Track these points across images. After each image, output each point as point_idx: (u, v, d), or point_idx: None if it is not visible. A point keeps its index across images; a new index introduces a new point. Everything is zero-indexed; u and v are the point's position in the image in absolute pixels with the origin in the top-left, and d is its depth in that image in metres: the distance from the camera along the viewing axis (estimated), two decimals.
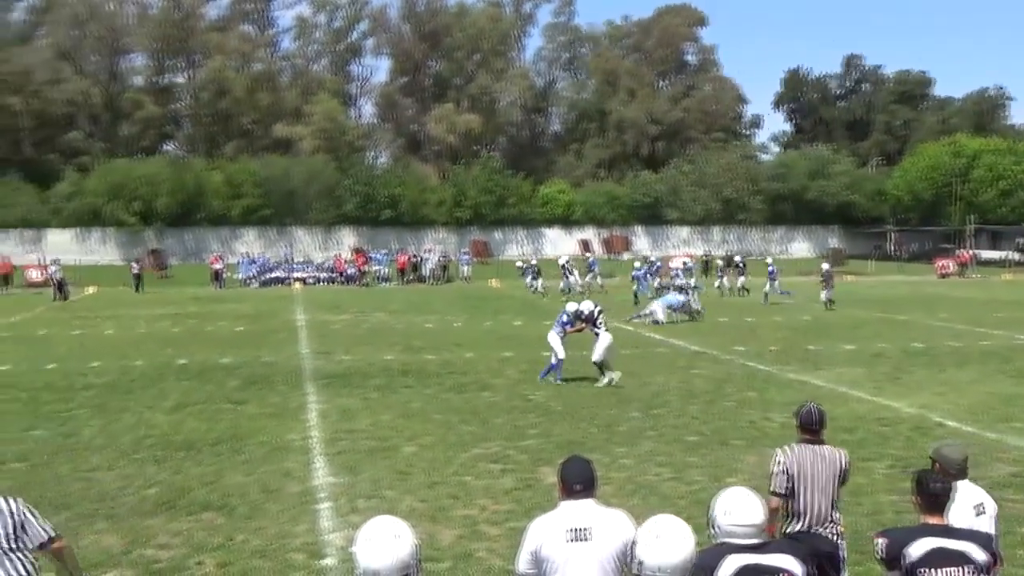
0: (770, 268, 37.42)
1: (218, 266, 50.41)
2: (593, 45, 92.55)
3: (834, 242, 74.88)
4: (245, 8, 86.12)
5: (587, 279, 43.62)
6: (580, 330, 18.62)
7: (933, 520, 5.05)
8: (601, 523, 4.90)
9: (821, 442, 6.61)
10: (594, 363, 18.04)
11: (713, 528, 4.73)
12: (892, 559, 4.93)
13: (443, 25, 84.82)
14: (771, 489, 6.43)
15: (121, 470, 11.71)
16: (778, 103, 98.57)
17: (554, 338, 18.43)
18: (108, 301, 40.41)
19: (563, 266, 42.87)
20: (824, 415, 6.78)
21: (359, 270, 53.12)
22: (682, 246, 72.47)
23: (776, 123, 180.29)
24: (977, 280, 54.63)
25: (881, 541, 5.02)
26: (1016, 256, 66.33)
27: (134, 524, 9.61)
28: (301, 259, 59.60)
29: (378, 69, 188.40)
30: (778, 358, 21.24)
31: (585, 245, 69.92)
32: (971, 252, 63.59)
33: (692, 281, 37.57)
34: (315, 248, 66.76)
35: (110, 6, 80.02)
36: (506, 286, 41.28)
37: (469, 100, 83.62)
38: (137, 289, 46.79)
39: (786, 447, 6.60)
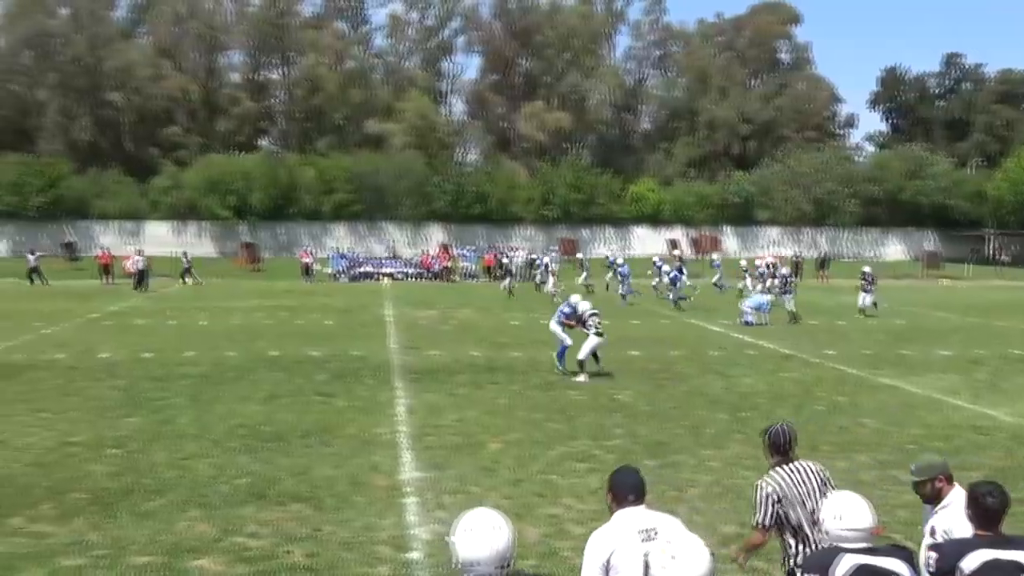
0: (866, 275, 32.65)
1: (307, 260, 51.19)
2: (684, 43, 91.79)
3: (929, 245, 73.04)
4: (339, 5, 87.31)
5: (654, 282, 40.89)
6: (572, 326, 19.16)
7: (987, 532, 4.89)
8: (662, 524, 5.03)
9: (795, 459, 6.27)
10: (577, 360, 18.50)
11: (821, 532, 4.79)
12: (945, 573, 4.79)
13: (534, 23, 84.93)
14: (757, 522, 6.13)
15: (214, 459, 11.97)
16: (874, 102, 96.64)
17: (556, 327, 19.32)
18: (204, 293, 41.29)
19: (658, 265, 41.41)
20: (794, 433, 6.36)
21: (444, 267, 53.45)
22: (771, 247, 71.42)
23: (871, 123, 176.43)
24: None
25: (933, 555, 4.88)
26: None
27: (226, 512, 9.82)
28: (388, 254, 60.19)
29: (469, 66, 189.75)
30: (870, 362, 20.82)
31: (673, 244, 69.32)
32: None
33: (767, 284, 37.07)
34: (404, 244, 67.36)
35: (209, 4, 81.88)
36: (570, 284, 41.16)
37: (559, 98, 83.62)
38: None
39: (766, 477, 6.21)
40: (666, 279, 37.74)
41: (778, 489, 6.09)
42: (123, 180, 67.60)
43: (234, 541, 9.01)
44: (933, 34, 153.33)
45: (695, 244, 71.69)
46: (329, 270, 53.59)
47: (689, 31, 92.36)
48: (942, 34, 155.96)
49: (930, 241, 74.49)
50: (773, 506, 6.07)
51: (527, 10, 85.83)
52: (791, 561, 6.10)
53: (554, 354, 19.48)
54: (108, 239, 60.59)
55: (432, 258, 55.73)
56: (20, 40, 73.79)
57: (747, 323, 28.45)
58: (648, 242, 70.16)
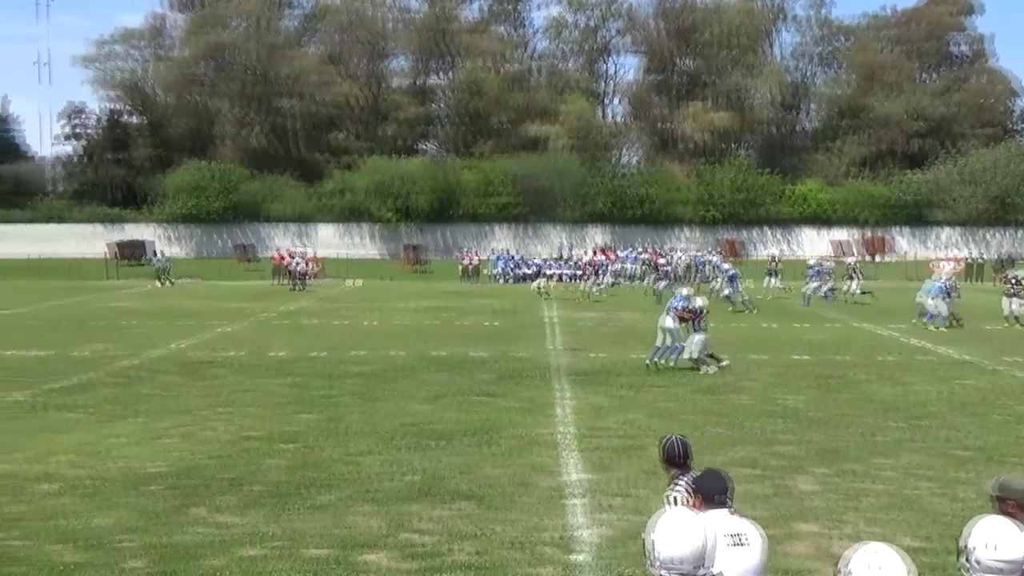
0: (1014, 278, 29.93)
1: (466, 261, 51.91)
2: (852, 38, 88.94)
3: None
4: (500, 9, 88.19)
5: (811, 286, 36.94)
6: (684, 320, 19.21)
7: None
8: (750, 530, 5.02)
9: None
10: (692, 360, 18.82)
11: (968, 560, 4.19)
12: None
13: (695, 21, 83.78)
14: None
15: (383, 456, 12.24)
16: None
17: (671, 323, 19.32)
18: (370, 293, 42.35)
19: (853, 268, 38.93)
20: (688, 446, 6.35)
21: (594, 269, 52.98)
22: (945, 248, 68.52)
23: None
24: None
25: None
26: None
27: (395, 508, 10.02)
28: (548, 256, 60.13)
29: (628, 67, 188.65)
30: None
31: (840, 246, 67.26)
32: None
33: (830, 284, 36.52)
34: (566, 247, 67.41)
35: (375, 12, 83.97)
36: (756, 288, 40.27)
37: (720, 97, 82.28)
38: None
39: (673, 490, 6.29)
40: (723, 279, 36.32)
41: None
42: (294, 184, 70.12)
43: (403, 537, 9.17)
44: None
45: (866, 245, 69.33)
46: (491, 271, 54.12)
47: (855, 25, 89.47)
48: None
49: None
50: None
51: (688, 8, 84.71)
52: None
53: (657, 349, 19.58)
54: (280, 241, 62.89)
55: (588, 263, 55.18)
56: (200, 52, 77.44)
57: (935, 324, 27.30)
58: (815, 243, 68.29)
